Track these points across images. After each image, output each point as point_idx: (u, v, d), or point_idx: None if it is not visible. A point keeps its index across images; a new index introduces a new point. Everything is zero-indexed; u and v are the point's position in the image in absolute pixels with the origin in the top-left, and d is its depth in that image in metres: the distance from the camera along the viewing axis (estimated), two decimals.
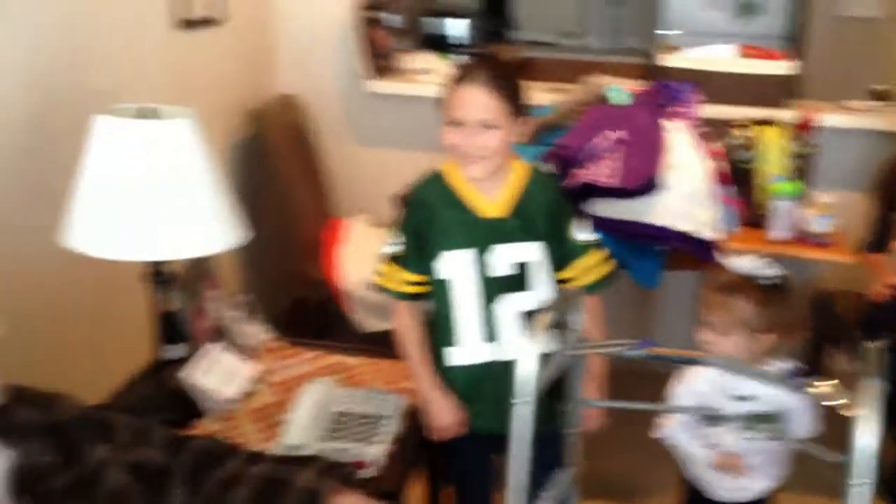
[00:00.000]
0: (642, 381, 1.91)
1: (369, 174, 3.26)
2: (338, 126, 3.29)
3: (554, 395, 1.69)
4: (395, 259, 1.76)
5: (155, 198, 1.55)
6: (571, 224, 1.76)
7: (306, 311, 3.01)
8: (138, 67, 2.31)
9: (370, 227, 3.17)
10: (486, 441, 1.78)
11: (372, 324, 2.84)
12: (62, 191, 1.63)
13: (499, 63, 1.68)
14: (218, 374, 1.74)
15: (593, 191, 2.12)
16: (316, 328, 2.88)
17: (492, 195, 1.71)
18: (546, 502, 1.37)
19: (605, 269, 1.78)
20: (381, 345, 2.00)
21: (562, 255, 1.74)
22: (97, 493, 1.24)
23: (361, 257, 2.83)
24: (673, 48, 3.40)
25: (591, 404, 1.66)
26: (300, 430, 1.58)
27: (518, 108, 1.65)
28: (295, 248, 2.94)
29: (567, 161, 2.16)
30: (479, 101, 1.60)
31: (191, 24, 2.56)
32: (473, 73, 1.62)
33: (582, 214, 1.94)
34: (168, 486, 1.34)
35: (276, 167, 2.92)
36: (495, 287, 1.71)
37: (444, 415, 1.74)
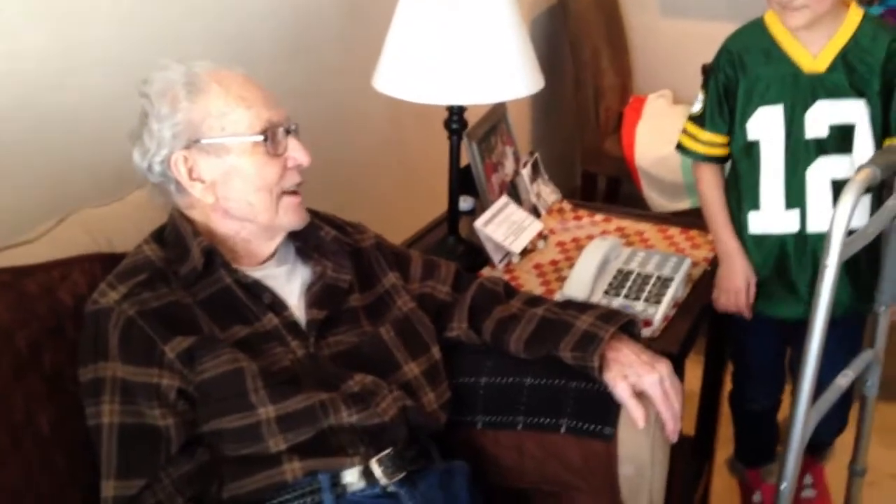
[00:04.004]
0: None
1: (672, 48, 3.09)
2: None
3: (863, 270, 1.53)
4: (698, 119, 1.65)
5: (457, 43, 1.57)
6: None
7: (595, 186, 2.98)
8: None
9: (670, 105, 3.03)
10: (777, 325, 1.66)
11: (662, 204, 2.75)
12: (376, 38, 1.71)
13: None
14: (506, 228, 1.77)
15: None
16: (604, 203, 2.85)
17: (816, 47, 1.53)
18: (845, 379, 1.25)
19: None
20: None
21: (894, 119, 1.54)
22: (385, 317, 1.32)
23: (658, 135, 2.72)
24: None
25: None
26: (582, 283, 1.56)
27: None
28: (593, 123, 2.89)
29: None
30: None
31: None
32: None
33: None
34: (448, 318, 1.40)
35: (580, 39, 2.86)
36: (809, 149, 1.55)
37: (740, 276, 1.63)
